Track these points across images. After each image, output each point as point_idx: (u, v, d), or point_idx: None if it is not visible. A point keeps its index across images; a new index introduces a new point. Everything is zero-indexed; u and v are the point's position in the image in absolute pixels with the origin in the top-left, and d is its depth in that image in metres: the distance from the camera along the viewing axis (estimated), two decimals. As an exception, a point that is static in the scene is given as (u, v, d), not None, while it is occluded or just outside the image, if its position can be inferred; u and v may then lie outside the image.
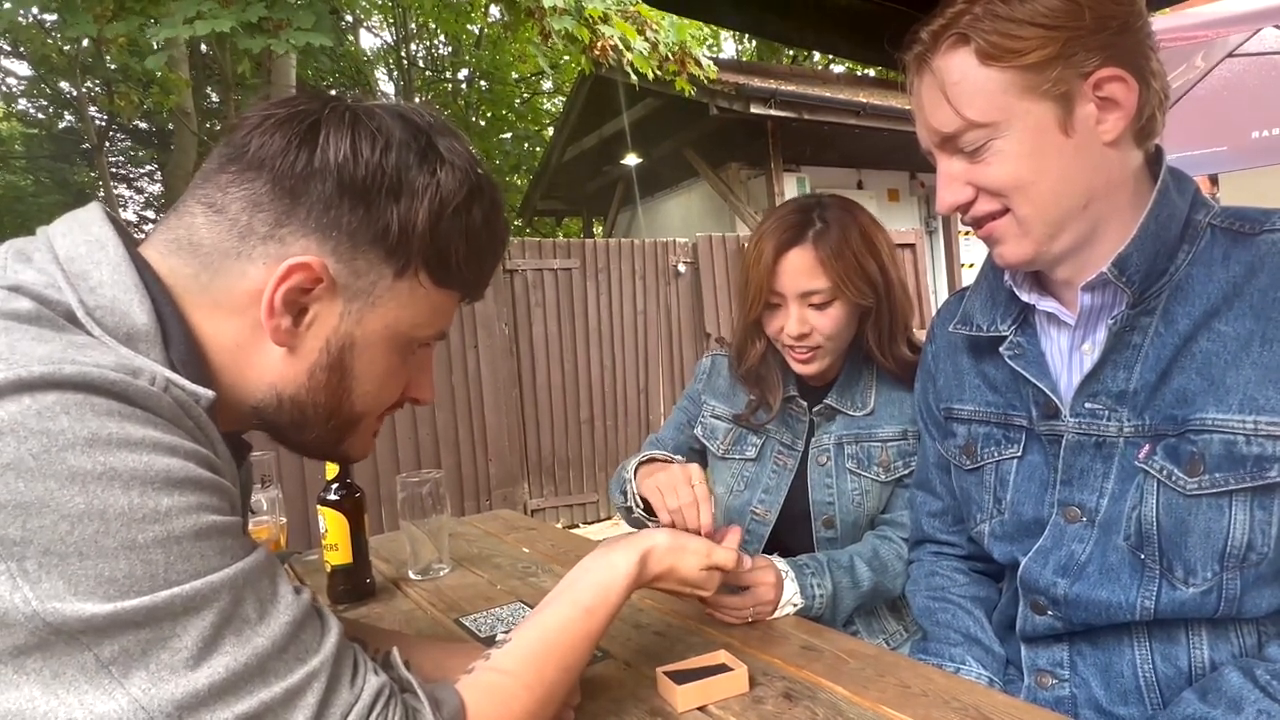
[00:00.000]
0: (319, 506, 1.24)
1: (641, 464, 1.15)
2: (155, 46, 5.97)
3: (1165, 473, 0.80)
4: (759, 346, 1.30)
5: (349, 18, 12.97)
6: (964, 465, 1.01)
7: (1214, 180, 4.24)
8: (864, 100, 6.83)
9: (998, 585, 1.08)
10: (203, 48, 9.14)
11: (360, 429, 0.70)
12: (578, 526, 5.05)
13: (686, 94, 6.50)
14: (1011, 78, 0.77)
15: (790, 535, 1.32)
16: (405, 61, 14.80)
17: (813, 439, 1.32)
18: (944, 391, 1.06)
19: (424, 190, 0.62)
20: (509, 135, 15.27)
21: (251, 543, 0.56)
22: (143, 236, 0.63)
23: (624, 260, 5.16)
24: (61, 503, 0.45)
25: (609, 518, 5.14)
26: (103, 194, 10.50)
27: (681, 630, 1.03)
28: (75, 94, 10.05)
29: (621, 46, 6.10)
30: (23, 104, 12.58)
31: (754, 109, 6.31)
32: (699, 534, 0.96)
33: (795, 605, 1.09)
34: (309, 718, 0.52)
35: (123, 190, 14.02)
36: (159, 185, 13.99)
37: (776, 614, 1.07)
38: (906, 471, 1.27)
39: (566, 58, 8.27)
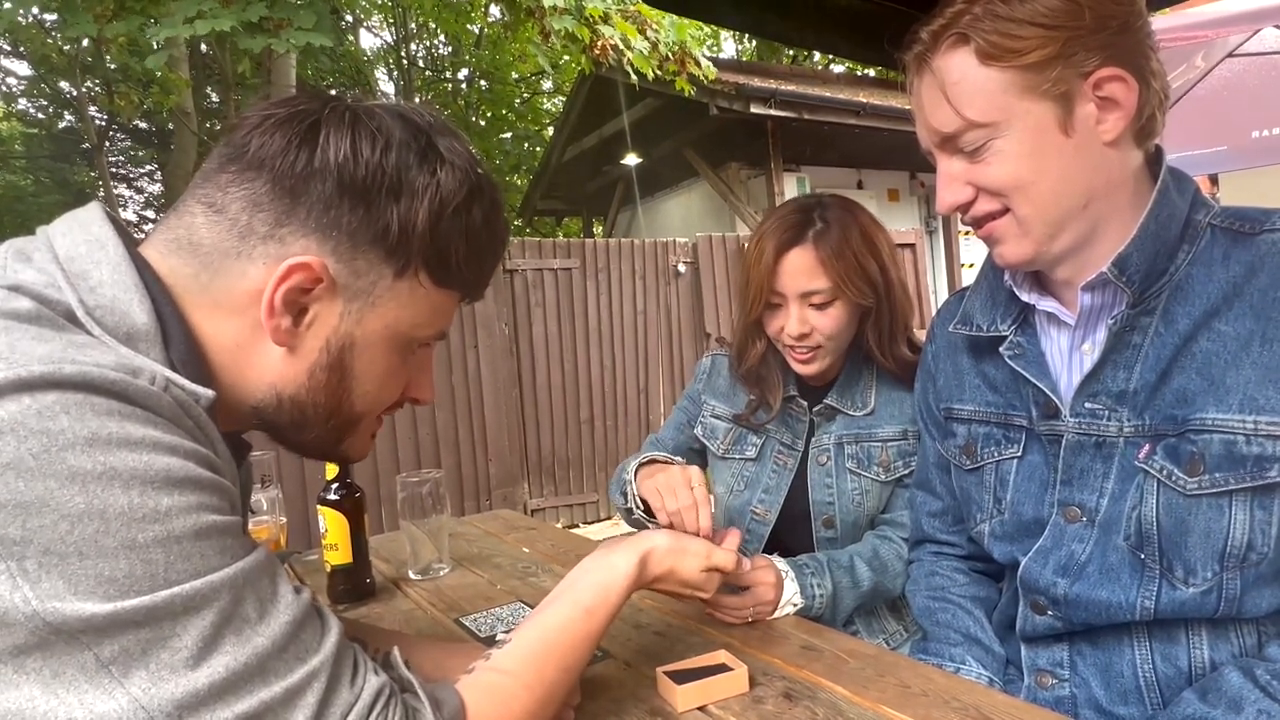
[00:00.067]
0: (319, 506, 1.24)
1: (642, 465, 1.15)
2: (155, 46, 5.97)
3: (1165, 473, 0.80)
4: (759, 346, 1.30)
5: (349, 17, 12.97)
6: (964, 465, 1.01)
7: (1214, 180, 4.24)
8: (864, 100, 6.83)
9: (998, 585, 1.08)
10: (203, 48, 9.14)
11: (360, 429, 0.70)
12: (578, 526, 5.05)
13: (686, 94, 6.50)
14: (1011, 77, 0.77)
15: (790, 535, 1.32)
16: (405, 61, 14.80)
17: (813, 439, 1.32)
18: (944, 391, 1.06)
19: (424, 190, 0.62)
20: (509, 135, 15.27)
21: (251, 542, 0.56)
22: (143, 236, 0.63)
23: (624, 260, 5.16)
24: (61, 502, 0.45)
25: (609, 518, 5.14)
26: (103, 194, 10.50)
27: (681, 630, 1.03)
28: (75, 94, 10.06)
29: (622, 46, 6.10)
30: (23, 104, 12.59)
31: (754, 109, 6.31)
32: (698, 536, 0.96)
33: (795, 605, 1.09)
34: (309, 717, 0.52)
35: (123, 190, 14.03)
36: (159, 185, 14.00)
37: (776, 614, 1.07)
38: (906, 471, 1.27)
39: (566, 58, 8.26)
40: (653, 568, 0.85)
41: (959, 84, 0.79)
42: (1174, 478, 0.79)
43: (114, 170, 13.11)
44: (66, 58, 9.17)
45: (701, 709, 0.81)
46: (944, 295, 7.87)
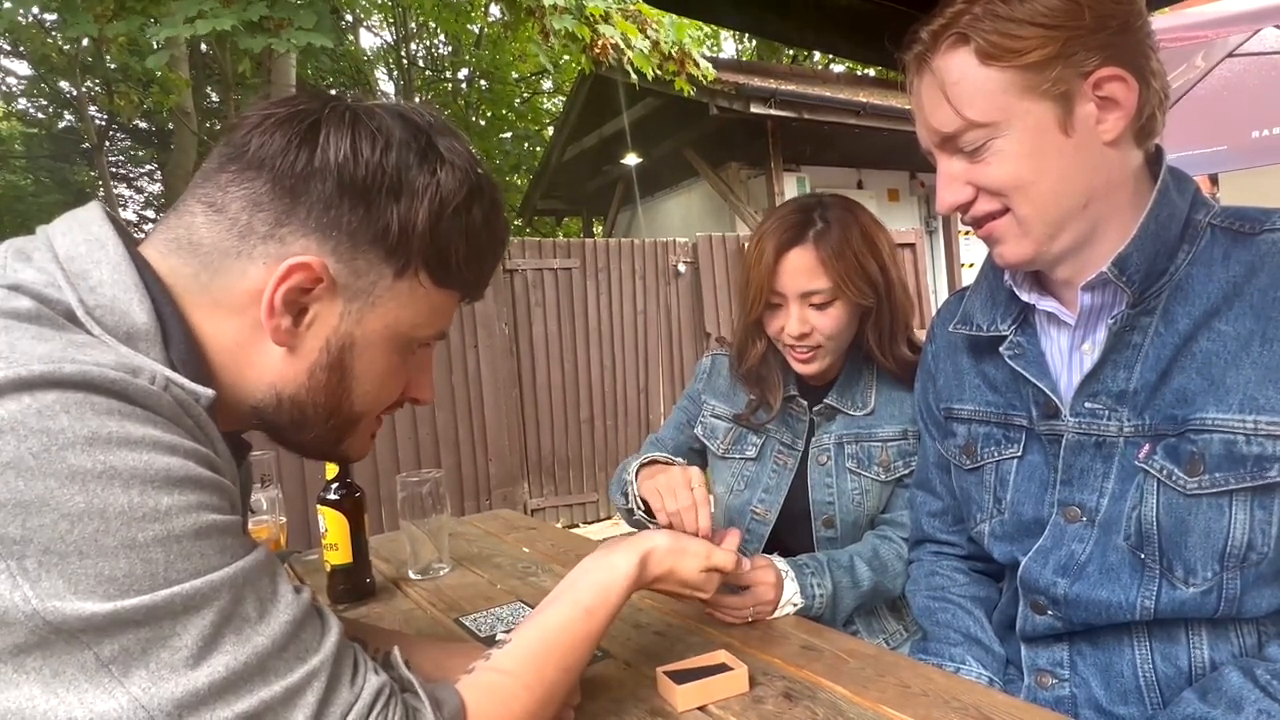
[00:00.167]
0: (319, 506, 1.24)
1: (643, 466, 1.15)
2: (155, 46, 5.97)
3: (1165, 472, 0.80)
4: (759, 346, 1.30)
5: (349, 17, 12.97)
6: (964, 465, 1.01)
7: (1214, 180, 4.24)
8: (864, 100, 6.83)
9: (998, 585, 1.08)
10: (203, 47, 9.14)
11: (359, 429, 0.70)
12: (578, 526, 5.05)
13: (686, 94, 6.50)
14: (1011, 77, 0.77)
15: (790, 535, 1.32)
16: (405, 61, 14.80)
17: (813, 439, 1.32)
18: (944, 391, 1.06)
19: (424, 190, 0.62)
20: (509, 135, 15.27)
21: (251, 542, 0.56)
22: (143, 236, 0.63)
23: (624, 260, 5.16)
24: (61, 501, 0.45)
25: (609, 518, 5.14)
26: (103, 193, 10.51)
27: (681, 630, 1.03)
28: (75, 94, 10.06)
29: (622, 45, 6.10)
30: (23, 104, 12.59)
31: (754, 108, 6.31)
32: (697, 536, 0.96)
33: (795, 605, 1.09)
34: (309, 716, 0.52)
35: (123, 190, 14.04)
36: (159, 185, 14.00)
37: (776, 614, 1.07)
38: (906, 471, 1.27)
39: (566, 57, 8.26)
40: (653, 568, 0.85)
41: (959, 84, 0.79)
42: (1174, 477, 0.79)
43: (114, 170, 13.11)
44: (66, 57, 9.17)
45: (701, 709, 0.81)
46: (944, 295, 7.87)
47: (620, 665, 0.93)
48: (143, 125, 13.25)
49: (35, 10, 7.78)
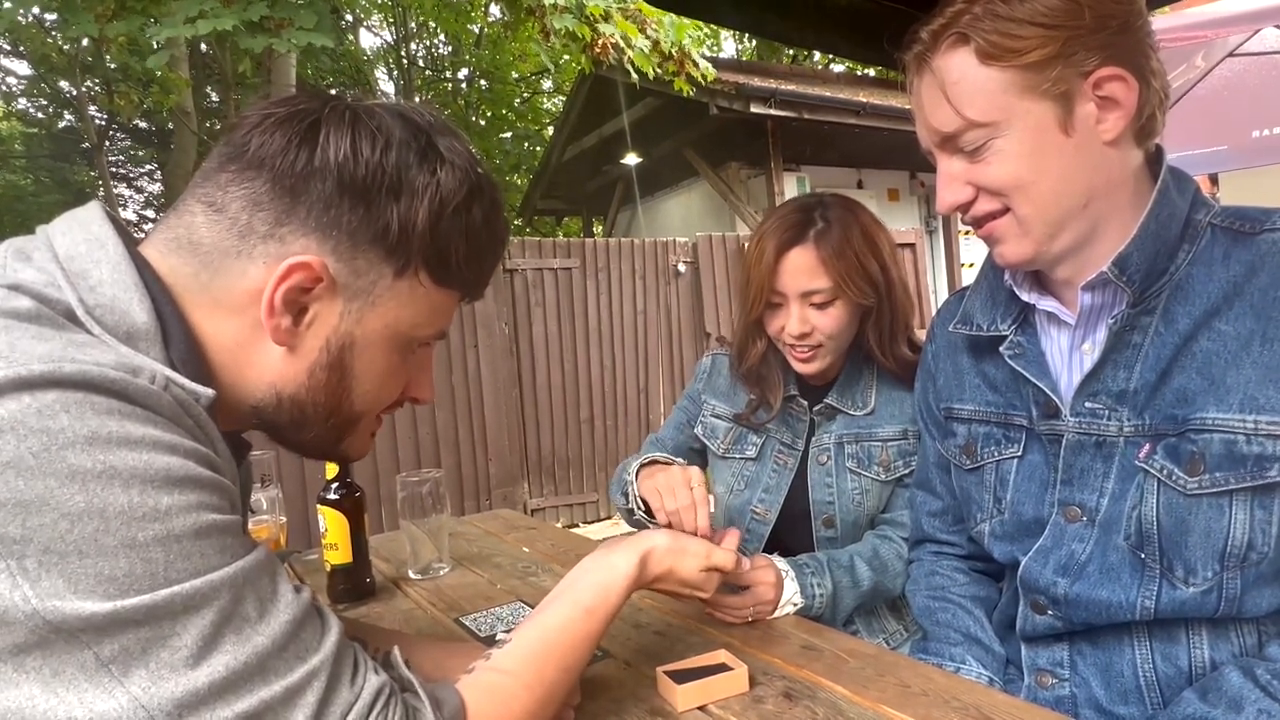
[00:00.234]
0: (319, 506, 1.24)
1: (644, 466, 1.15)
2: (155, 46, 5.97)
3: (1165, 472, 0.80)
4: (760, 346, 1.30)
5: (349, 17, 12.97)
6: (964, 465, 1.01)
7: (1214, 180, 4.24)
8: (864, 100, 6.83)
9: (998, 585, 1.08)
10: (203, 47, 9.14)
11: (359, 428, 0.70)
12: (578, 526, 5.05)
13: (686, 94, 6.50)
14: (1011, 77, 0.77)
15: (790, 534, 1.32)
16: (405, 61, 14.80)
17: (813, 438, 1.32)
18: (944, 391, 1.06)
19: (424, 189, 0.62)
20: (509, 135, 15.28)
21: (251, 541, 0.56)
22: (142, 236, 0.63)
23: (624, 260, 5.16)
24: (61, 501, 0.45)
25: (609, 517, 5.14)
26: (103, 193, 10.51)
27: (681, 630, 1.03)
28: (75, 93, 10.06)
29: (622, 44, 6.10)
30: (23, 103, 12.59)
31: (754, 108, 6.31)
32: (696, 536, 0.96)
33: (795, 605, 1.09)
34: (309, 716, 0.52)
35: (123, 190, 14.04)
36: (159, 185, 14.00)
37: (776, 613, 1.07)
38: (907, 471, 1.27)
39: (567, 57, 8.27)
40: (652, 567, 0.85)
41: (959, 84, 0.79)
42: (1174, 477, 0.79)
43: (114, 170, 13.11)
44: (66, 57, 9.17)
45: (701, 709, 0.81)
46: (944, 295, 7.87)
47: (620, 665, 0.93)
48: (143, 125, 13.25)
49: (35, 10, 7.78)
